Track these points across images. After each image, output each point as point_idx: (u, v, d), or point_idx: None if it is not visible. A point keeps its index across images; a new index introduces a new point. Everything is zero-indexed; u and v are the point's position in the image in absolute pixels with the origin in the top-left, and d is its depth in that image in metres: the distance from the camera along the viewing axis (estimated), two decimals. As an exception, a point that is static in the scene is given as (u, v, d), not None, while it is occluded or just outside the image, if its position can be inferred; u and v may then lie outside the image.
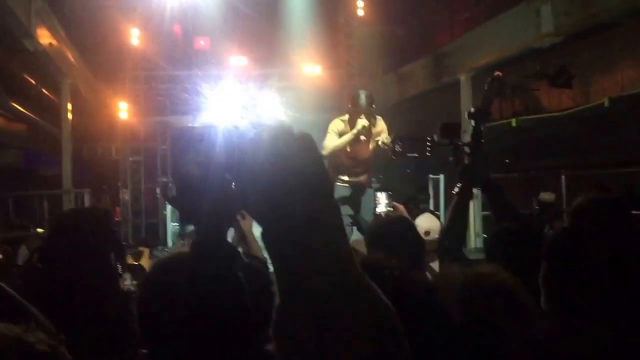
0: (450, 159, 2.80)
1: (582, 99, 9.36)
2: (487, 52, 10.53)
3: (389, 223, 3.15)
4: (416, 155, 2.98)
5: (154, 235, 13.09)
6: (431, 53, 12.20)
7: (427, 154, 2.89)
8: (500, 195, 2.74)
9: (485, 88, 11.18)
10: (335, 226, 0.80)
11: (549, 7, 9.04)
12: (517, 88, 10.29)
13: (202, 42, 14.10)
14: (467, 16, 11.68)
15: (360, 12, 12.70)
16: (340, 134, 6.11)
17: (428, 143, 2.91)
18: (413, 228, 2.99)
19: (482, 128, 2.89)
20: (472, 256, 6.61)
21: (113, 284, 2.51)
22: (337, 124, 6.16)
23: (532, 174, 10.35)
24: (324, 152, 5.98)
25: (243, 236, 2.95)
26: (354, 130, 5.92)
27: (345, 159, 6.21)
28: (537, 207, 4.95)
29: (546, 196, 5.09)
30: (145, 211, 13.86)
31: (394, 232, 2.79)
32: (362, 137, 6.02)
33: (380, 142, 5.93)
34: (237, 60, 13.84)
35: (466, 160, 2.79)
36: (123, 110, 13.53)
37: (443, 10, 12.46)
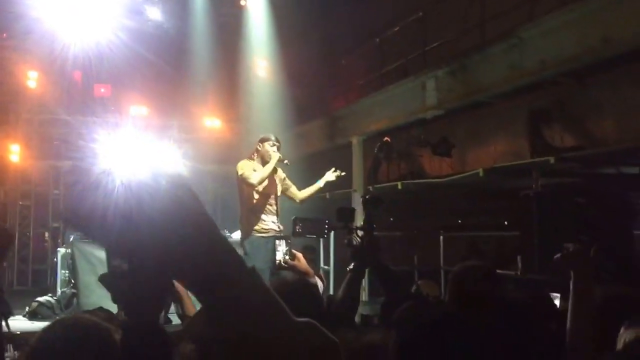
0: (345, 241, 3.27)
1: (460, 167, 10.19)
2: (377, 119, 11.32)
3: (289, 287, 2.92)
4: (314, 236, 3.41)
5: (41, 282, 12.79)
6: (327, 115, 12.89)
7: (325, 235, 3.35)
8: (388, 274, 3.22)
9: (375, 151, 11.94)
10: (246, 273, 0.78)
11: (433, 83, 9.92)
12: (403, 153, 11.06)
13: (102, 90, 14.13)
14: (361, 84, 12.47)
15: (262, 72, 13.28)
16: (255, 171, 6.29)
17: (325, 225, 3.36)
18: (312, 293, 2.96)
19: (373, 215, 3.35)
20: (361, 309, 7.13)
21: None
22: (249, 164, 6.35)
23: (414, 233, 11.12)
24: (254, 182, 6.15)
25: (178, 297, 2.94)
26: (274, 160, 6.21)
27: (260, 198, 6.34)
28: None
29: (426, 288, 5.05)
30: (32, 257, 13.55)
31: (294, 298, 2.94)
32: (279, 169, 6.40)
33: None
34: (137, 110, 13.96)
35: (358, 242, 3.25)
36: (14, 153, 13.24)
37: (339, 76, 13.22)
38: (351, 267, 3.16)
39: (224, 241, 0.81)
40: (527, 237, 7.03)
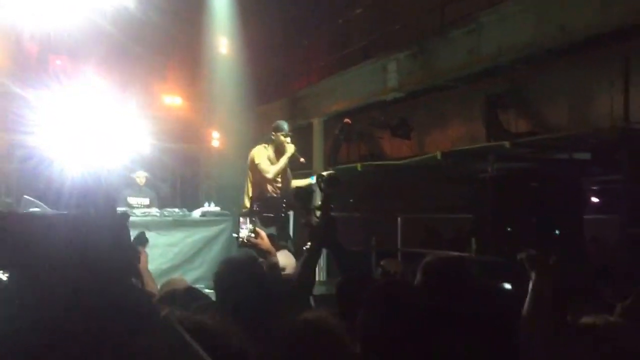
0: (302, 220, 3.29)
1: (418, 149, 10.29)
2: (338, 100, 11.35)
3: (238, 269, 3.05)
4: (272, 215, 3.43)
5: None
6: (288, 96, 12.85)
7: (282, 214, 3.37)
8: (344, 254, 3.25)
9: (336, 132, 11.96)
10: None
11: (394, 65, 9.97)
12: (363, 135, 11.12)
13: (58, 62, 13.77)
14: (322, 65, 12.46)
15: (223, 50, 13.13)
16: (270, 161, 6.32)
17: (283, 205, 3.38)
18: (258, 273, 3.06)
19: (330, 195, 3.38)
20: (317, 288, 7.20)
21: None
22: (264, 152, 6.42)
23: (372, 214, 11.22)
24: (270, 176, 6.14)
25: (138, 272, 2.99)
26: (288, 154, 6.27)
27: (269, 186, 6.20)
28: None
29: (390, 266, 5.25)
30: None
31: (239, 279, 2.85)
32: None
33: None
34: (95, 83, 13.64)
35: (316, 222, 3.28)
36: (-34, 126, 12.90)
37: (301, 57, 13.18)
38: (307, 246, 3.19)
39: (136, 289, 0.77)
40: (482, 220, 7.20)
